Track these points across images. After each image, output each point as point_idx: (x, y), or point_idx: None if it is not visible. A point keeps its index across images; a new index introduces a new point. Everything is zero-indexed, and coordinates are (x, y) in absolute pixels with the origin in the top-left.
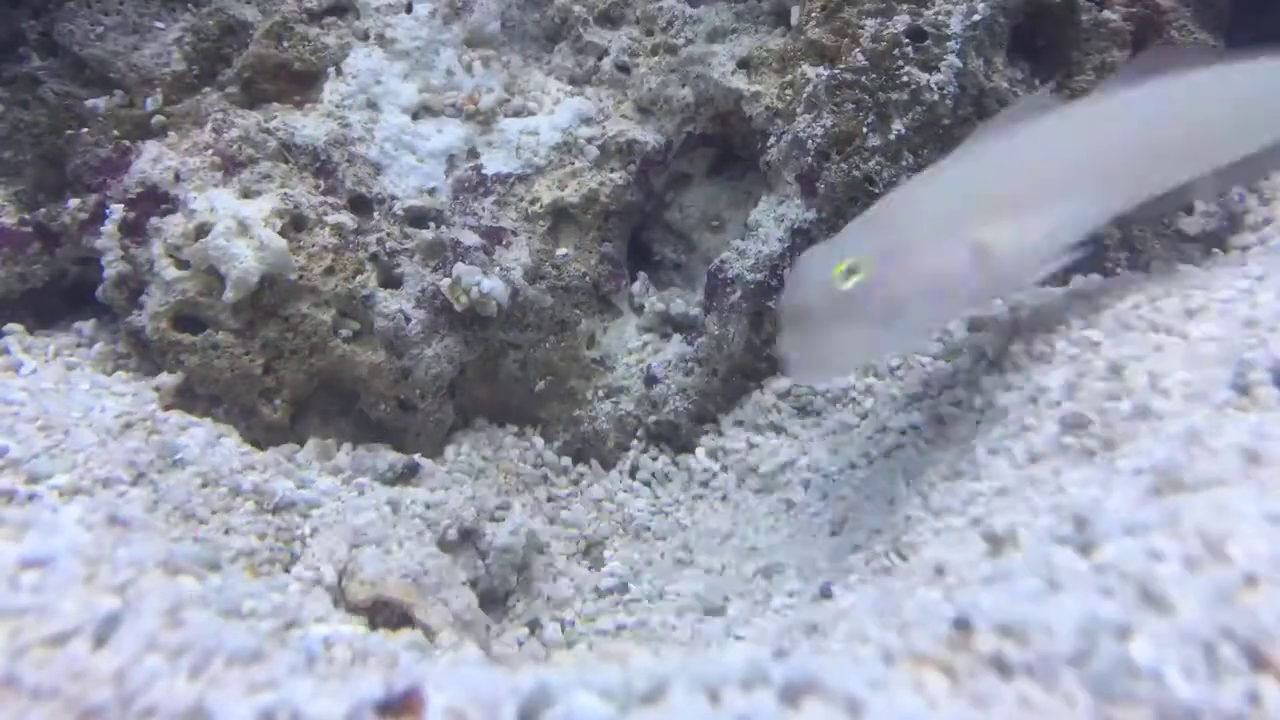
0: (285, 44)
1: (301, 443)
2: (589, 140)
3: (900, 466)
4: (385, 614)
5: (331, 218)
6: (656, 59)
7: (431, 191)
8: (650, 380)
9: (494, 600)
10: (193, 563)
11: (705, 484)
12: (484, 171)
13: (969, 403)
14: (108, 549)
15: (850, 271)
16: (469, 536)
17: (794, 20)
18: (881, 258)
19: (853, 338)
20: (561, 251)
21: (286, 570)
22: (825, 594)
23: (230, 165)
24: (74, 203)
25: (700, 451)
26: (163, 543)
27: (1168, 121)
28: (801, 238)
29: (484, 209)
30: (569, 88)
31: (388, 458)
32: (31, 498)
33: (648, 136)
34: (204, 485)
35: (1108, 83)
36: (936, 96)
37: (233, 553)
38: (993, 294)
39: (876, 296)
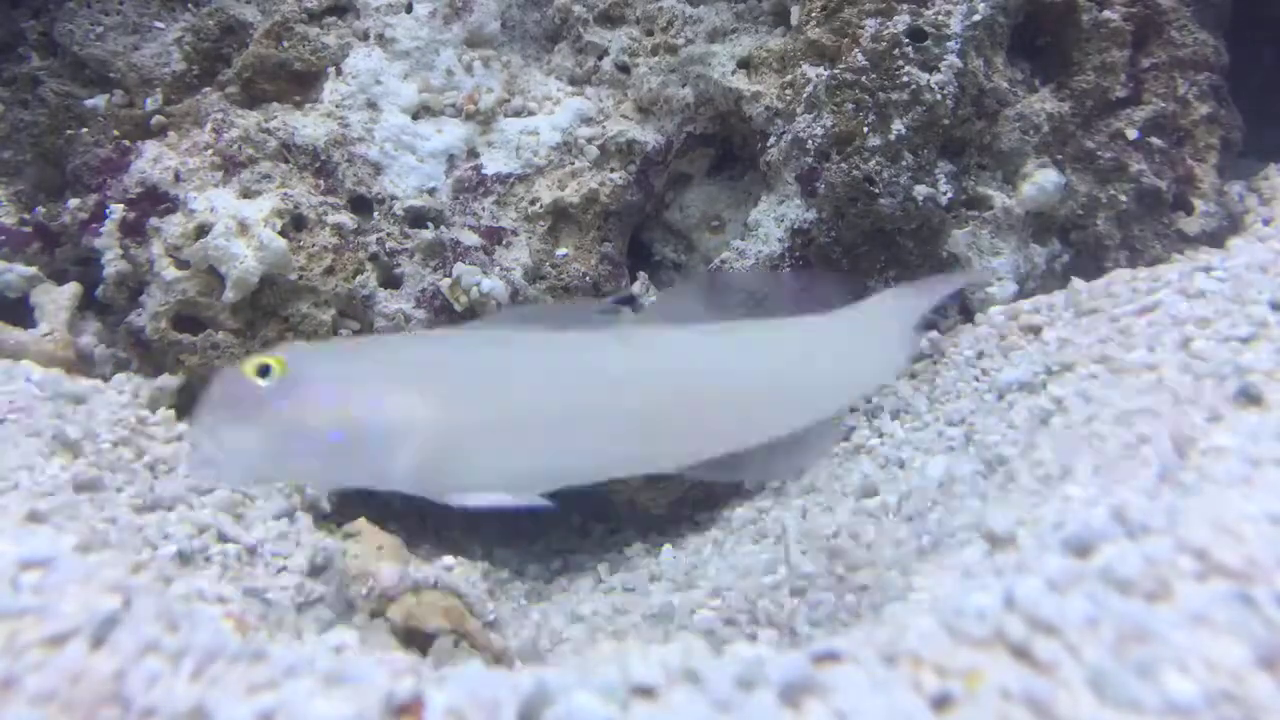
0: (285, 44)
1: None
2: (589, 140)
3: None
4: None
5: (331, 218)
6: (656, 59)
7: (431, 191)
8: None
9: None
10: None
11: None
12: (484, 171)
13: None
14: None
15: (264, 370)
16: None
17: (794, 20)
18: (300, 371)
19: (255, 440)
20: (561, 251)
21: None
22: None
23: (230, 165)
24: (74, 203)
25: None
26: None
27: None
28: (801, 238)
29: (484, 209)
30: (569, 88)
31: None
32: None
33: (648, 136)
34: None
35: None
36: (936, 96)
37: None
38: (384, 485)
39: (285, 408)
